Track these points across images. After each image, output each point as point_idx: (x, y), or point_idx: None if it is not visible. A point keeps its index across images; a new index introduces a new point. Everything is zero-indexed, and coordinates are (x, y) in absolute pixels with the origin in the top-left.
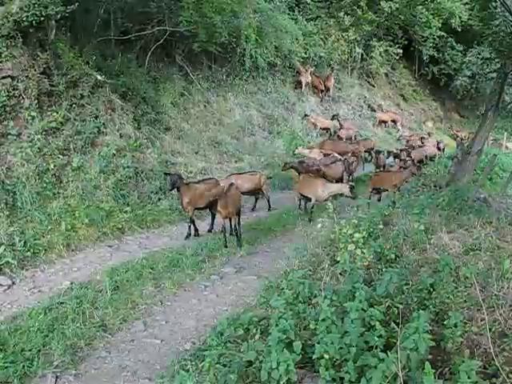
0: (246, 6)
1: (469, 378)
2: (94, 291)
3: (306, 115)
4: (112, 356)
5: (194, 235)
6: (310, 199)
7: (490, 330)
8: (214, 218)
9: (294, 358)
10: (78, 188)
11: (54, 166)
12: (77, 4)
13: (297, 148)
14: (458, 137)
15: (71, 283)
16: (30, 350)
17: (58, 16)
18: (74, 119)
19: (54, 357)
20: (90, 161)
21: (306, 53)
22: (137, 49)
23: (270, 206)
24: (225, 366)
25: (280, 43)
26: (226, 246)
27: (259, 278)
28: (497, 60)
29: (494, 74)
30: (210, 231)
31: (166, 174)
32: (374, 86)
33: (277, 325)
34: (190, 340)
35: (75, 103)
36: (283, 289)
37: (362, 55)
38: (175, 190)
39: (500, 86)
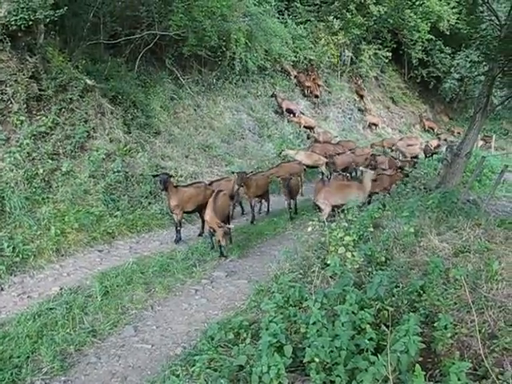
0: (236, 9)
1: (459, 379)
2: (84, 296)
3: (273, 94)
4: (102, 362)
5: (175, 240)
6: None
7: (479, 331)
8: (204, 222)
9: (285, 361)
10: (67, 193)
11: (43, 170)
12: (66, 8)
13: (283, 150)
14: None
15: (61, 288)
16: (18, 357)
17: (47, 20)
18: (64, 123)
19: (43, 363)
20: (79, 165)
21: (295, 56)
22: (126, 53)
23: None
24: (215, 370)
25: (270, 47)
26: (213, 247)
27: (250, 281)
28: (484, 63)
29: (482, 77)
30: (200, 235)
31: (154, 176)
32: (364, 90)
33: (267, 329)
34: (181, 345)
35: (64, 107)
36: (274, 292)
37: (351, 58)
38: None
39: (488, 88)
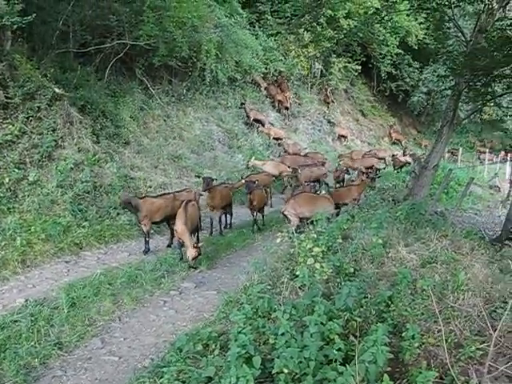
0: (207, 20)
1: None
2: (50, 308)
3: (242, 104)
4: (68, 375)
5: (144, 251)
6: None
7: (446, 340)
8: (173, 232)
9: (254, 372)
10: (34, 203)
11: (9, 179)
12: (34, 15)
13: (249, 160)
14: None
15: (26, 300)
16: None
17: (15, 26)
18: (31, 132)
19: (6, 378)
20: (47, 175)
21: (266, 68)
22: (96, 62)
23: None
24: (184, 382)
25: (240, 58)
26: (182, 258)
27: (219, 292)
28: (451, 78)
29: (449, 91)
30: (169, 246)
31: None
32: (333, 102)
33: (236, 340)
34: (149, 356)
35: (32, 116)
36: (243, 303)
37: (321, 71)
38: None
39: (454, 102)
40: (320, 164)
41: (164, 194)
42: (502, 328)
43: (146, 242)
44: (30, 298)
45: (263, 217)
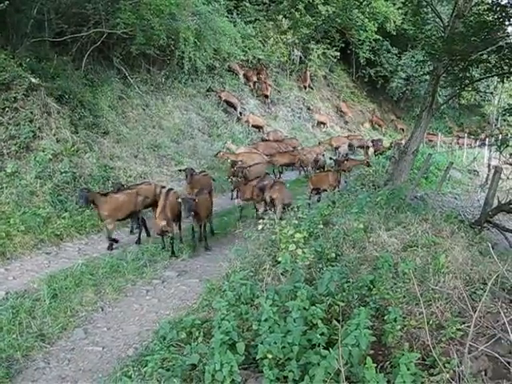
0: (185, 8)
1: (408, 369)
2: (32, 300)
3: (209, 89)
4: (51, 366)
5: (108, 248)
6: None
7: (427, 322)
8: (144, 222)
9: (238, 359)
10: (12, 194)
11: None
12: (7, 3)
13: (226, 142)
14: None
15: (6, 293)
16: None
17: None
18: (8, 123)
19: None
20: (25, 166)
21: (244, 55)
22: (73, 51)
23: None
24: (168, 370)
25: (219, 46)
26: (164, 247)
27: (201, 280)
28: (429, 63)
29: (428, 77)
30: (137, 243)
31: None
32: (312, 89)
33: (219, 327)
34: (133, 346)
35: (8, 107)
36: (225, 291)
37: (300, 58)
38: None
39: (433, 87)
40: (292, 149)
41: (125, 188)
42: (481, 309)
43: (111, 240)
44: (10, 291)
45: (206, 228)
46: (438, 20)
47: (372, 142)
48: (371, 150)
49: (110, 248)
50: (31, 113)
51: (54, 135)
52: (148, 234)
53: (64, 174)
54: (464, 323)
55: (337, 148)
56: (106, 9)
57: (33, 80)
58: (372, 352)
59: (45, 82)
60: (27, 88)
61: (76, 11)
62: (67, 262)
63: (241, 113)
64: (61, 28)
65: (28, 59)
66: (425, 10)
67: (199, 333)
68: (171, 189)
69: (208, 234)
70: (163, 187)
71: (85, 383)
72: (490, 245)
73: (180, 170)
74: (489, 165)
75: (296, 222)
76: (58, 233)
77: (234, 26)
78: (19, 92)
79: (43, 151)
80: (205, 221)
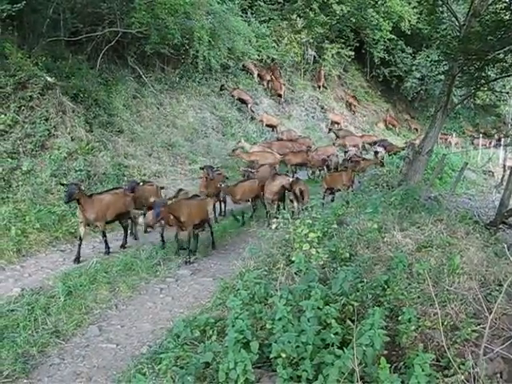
0: (199, 7)
1: (422, 370)
2: (47, 297)
3: (222, 87)
4: (66, 362)
5: (106, 252)
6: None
7: (442, 323)
8: (126, 231)
9: (252, 357)
10: (28, 192)
11: (3, 169)
12: (24, 3)
13: (240, 141)
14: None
15: (22, 290)
16: None
17: (4, 14)
18: (24, 122)
19: (4, 366)
20: (40, 164)
21: (258, 55)
22: (88, 50)
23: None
24: (182, 368)
25: (233, 45)
26: (181, 250)
27: (215, 279)
28: (444, 62)
29: (443, 76)
30: (122, 247)
31: (62, 184)
32: (326, 88)
33: (233, 325)
34: (147, 343)
35: (24, 105)
36: (239, 289)
37: (314, 57)
38: (76, 202)
39: (448, 87)
40: (306, 149)
41: (112, 188)
42: (497, 310)
43: (105, 242)
44: (26, 288)
45: (212, 236)
46: (453, 19)
47: (377, 144)
48: (381, 153)
49: (107, 252)
50: (47, 111)
51: (69, 134)
52: (123, 245)
53: (79, 173)
54: (479, 324)
55: (346, 148)
56: (120, 8)
57: (48, 79)
58: (386, 352)
59: (60, 81)
60: (43, 87)
61: (91, 11)
62: (81, 259)
63: (252, 110)
64: (76, 27)
65: (44, 58)
66: (440, 9)
67: (213, 331)
68: (181, 189)
69: (216, 237)
70: (162, 188)
71: (99, 380)
72: (505, 246)
73: (201, 168)
74: (504, 165)
75: (310, 221)
76: (73, 230)
77: (249, 25)
78: (35, 91)
79: (58, 149)
80: (190, 229)
